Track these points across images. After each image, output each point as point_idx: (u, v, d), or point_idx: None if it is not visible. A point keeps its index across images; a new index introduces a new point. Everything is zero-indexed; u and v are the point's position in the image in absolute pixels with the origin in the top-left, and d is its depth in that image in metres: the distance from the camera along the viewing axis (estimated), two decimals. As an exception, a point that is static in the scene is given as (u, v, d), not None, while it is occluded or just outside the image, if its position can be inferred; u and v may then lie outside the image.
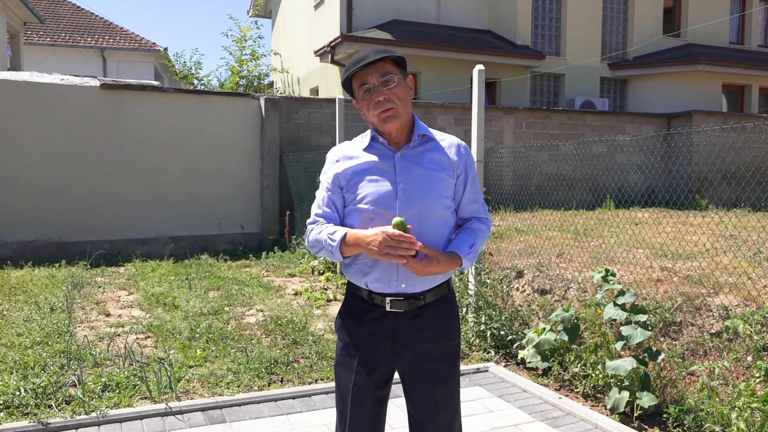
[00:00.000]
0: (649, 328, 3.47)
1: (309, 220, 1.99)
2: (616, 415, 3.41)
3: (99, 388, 3.64)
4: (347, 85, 1.91)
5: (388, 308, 1.89)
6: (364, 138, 1.97)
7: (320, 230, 1.91)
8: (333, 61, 13.82)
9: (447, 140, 1.98)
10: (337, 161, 1.96)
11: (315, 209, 1.99)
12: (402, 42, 12.63)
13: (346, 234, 1.84)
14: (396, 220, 1.78)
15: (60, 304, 5.53)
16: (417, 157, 1.91)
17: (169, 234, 9.02)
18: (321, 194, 1.99)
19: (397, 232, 1.76)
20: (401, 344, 1.90)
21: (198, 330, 4.83)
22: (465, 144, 2.01)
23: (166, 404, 3.48)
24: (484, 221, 2.03)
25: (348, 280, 1.99)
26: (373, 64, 1.84)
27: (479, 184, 2.20)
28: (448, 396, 1.95)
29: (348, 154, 1.96)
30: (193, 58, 18.07)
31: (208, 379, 3.87)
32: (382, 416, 1.99)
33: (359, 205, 1.88)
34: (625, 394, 3.40)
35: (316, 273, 7.47)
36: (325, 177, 1.99)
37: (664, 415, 3.33)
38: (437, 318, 1.92)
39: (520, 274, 5.23)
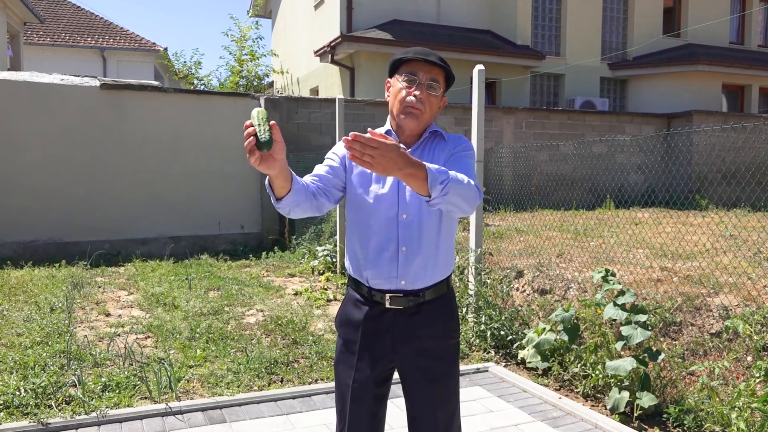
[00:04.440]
0: (649, 328, 3.47)
1: None
2: (616, 415, 3.41)
3: (99, 388, 3.64)
4: (396, 65, 1.93)
5: (387, 305, 1.90)
6: (378, 131, 1.98)
7: None
8: (333, 61, 13.82)
9: (455, 138, 2.00)
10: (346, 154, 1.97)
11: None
12: (402, 42, 12.63)
13: None
14: (254, 111, 1.64)
15: (60, 304, 5.53)
16: (424, 155, 1.93)
17: (169, 234, 9.02)
18: (322, 165, 1.97)
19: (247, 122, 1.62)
20: (400, 341, 1.91)
21: (198, 330, 4.83)
22: (467, 139, 2.01)
23: (166, 404, 3.48)
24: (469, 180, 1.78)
25: (348, 277, 2.01)
26: (431, 64, 1.88)
27: (478, 176, 2.15)
28: (446, 394, 1.95)
29: None
30: (193, 58, 18.03)
31: (208, 379, 3.87)
32: (381, 414, 1.99)
33: (361, 198, 1.91)
34: (625, 394, 3.40)
35: (316, 273, 7.47)
36: (333, 153, 1.97)
37: (664, 415, 3.33)
38: (436, 316, 1.93)
39: (520, 274, 5.22)
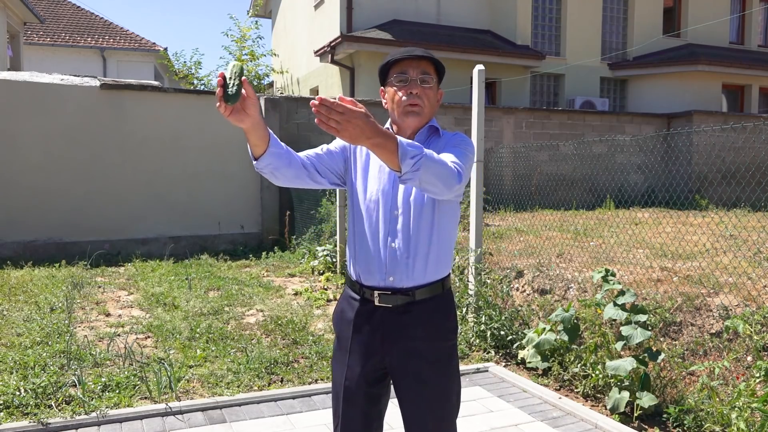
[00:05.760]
0: (649, 328, 3.47)
1: None
2: (616, 415, 3.41)
3: (99, 388, 3.64)
4: (384, 70, 1.93)
5: (376, 302, 1.89)
6: None
7: None
8: (333, 61, 13.82)
9: (449, 134, 1.98)
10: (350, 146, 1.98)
11: None
12: (402, 42, 12.63)
13: None
14: (230, 64, 1.68)
15: (60, 304, 5.53)
16: None
17: (169, 234, 9.02)
18: (326, 146, 1.98)
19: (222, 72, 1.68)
20: (389, 340, 1.89)
21: (198, 330, 4.83)
22: (465, 135, 1.99)
23: (166, 404, 3.48)
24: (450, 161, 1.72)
25: (346, 273, 2.00)
26: (418, 59, 1.88)
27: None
28: (438, 398, 1.90)
29: None
30: (193, 57, 18.03)
31: (208, 379, 3.87)
32: (375, 414, 1.97)
33: (362, 196, 1.91)
34: (625, 394, 3.40)
35: (316, 273, 7.47)
36: (337, 140, 1.97)
37: (664, 415, 3.33)
38: (428, 317, 1.90)
39: (520, 274, 5.23)
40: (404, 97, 1.87)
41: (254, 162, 1.79)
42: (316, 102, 1.45)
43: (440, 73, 1.93)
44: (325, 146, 1.98)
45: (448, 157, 1.73)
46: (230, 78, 1.64)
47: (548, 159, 11.73)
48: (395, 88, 1.89)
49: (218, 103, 1.64)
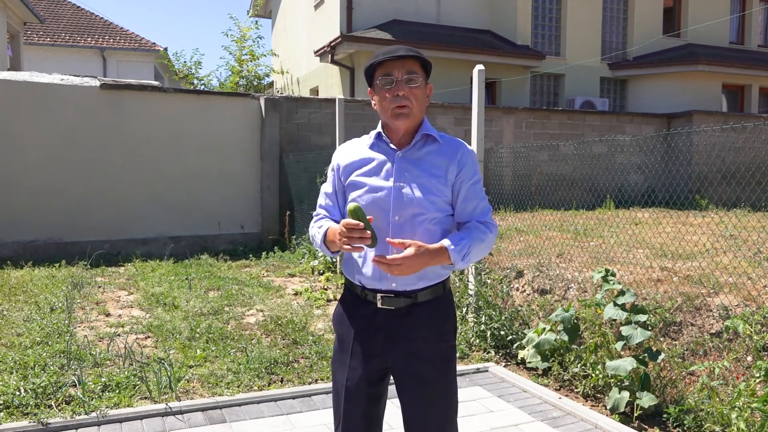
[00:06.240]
0: (649, 328, 3.47)
1: (314, 212, 2.07)
2: (616, 415, 3.41)
3: (99, 388, 3.64)
4: (370, 72, 1.93)
5: (379, 305, 1.90)
6: (371, 136, 2.00)
7: (315, 225, 2.01)
8: (333, 61, 13.83)
9: (451, 143, 1.97)
10: (341, 157, 2.01)
11: (319, 201, 2.08)
12: (402, 42, 12.63)
13: (327, 229, 1.92)
14: (350, 206, 1.77)
15: (60, 304, 5.53)
16: (417, 159, 1.92)
17: (169, 234, 9.02)
18: (325, 187, 2.06)
19: (350, 221, 1.74)
20: (392, 342, 1.90)
21: (198, 330, 4.83)
22: (469, 148, 1.99)
23: (166, 404, 3.48)
24: (486, 224, 1.94)
25: (346, 277, 2.01)
26: (403, 58, 1.87)
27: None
28: (438, 398, 1.91)
29: (352, 150, 2.00)
30: (193, 58, 18.01)
31: (208, 379, 3.87)
32: (375, 414, 1.98)
33: (363, 203, 1.91)
34: (625, 394, 3.40)
35: (316, 273, 7.47)
36: (330, 170, 2.05)
37: (664, 415, 3.33)
38: (429, 318, 1.91)
39: (520, 274, 5.23)
40: (392, 99, 1.86)
41: (330, 254, 1.98)
42: (375, 261, 1.77)
43: (427, 69, 1.93)
44: (323, 193, 2.06)
45: (478, 205, 1.95)
46: (366, 227, 1.77)
47: (548, 159, 11.73)
48: (382, 91, 1.89)
49: (351, 246, 1.77)
